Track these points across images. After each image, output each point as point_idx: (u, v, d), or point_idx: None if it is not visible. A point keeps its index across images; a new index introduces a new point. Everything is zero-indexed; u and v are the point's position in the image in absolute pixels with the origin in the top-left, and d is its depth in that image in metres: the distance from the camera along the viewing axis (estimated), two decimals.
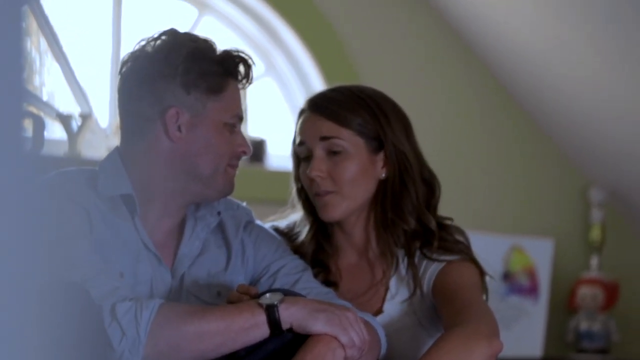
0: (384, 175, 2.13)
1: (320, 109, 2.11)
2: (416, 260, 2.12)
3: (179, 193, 1.94)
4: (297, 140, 2.14)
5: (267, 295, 1.81)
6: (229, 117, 1.94)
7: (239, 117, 1.97)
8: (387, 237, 2.13)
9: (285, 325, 1.79)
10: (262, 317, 1.78)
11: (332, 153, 2.10)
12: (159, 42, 1.93)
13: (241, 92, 2.00)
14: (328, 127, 2.10)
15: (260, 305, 1.79)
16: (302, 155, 2.14)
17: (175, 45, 1.92)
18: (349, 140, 2.10)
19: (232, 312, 1.79)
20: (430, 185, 2.16)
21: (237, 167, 1.99)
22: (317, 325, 1.80)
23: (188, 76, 1.90)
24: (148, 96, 1.91)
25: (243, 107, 2.01)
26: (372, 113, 2.11)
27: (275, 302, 1.79)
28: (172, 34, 1.95)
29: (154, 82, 1.91)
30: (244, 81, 1.97)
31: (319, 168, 2.09)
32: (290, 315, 1.79)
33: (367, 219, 2.16)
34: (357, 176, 2.10)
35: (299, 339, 1.81)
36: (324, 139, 2.10)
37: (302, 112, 2.15)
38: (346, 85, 2.17)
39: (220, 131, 1.93)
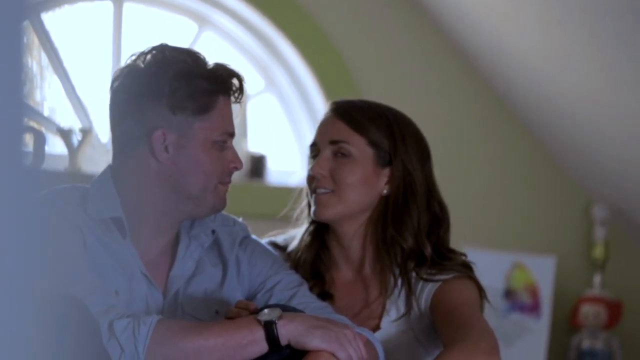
0: (385, 191, 2.12)
1: (340, 110, 2.13)
2: (412, 281, 2.11)
3: (169, 212, 1.93)
4: (312, 141, 2.16)
5: (266, 311, 1.81)
6: (218, 135, 1.91)
7: (229, 134, 1.94)
8: (384, 254, 2.12)
9: (283, 341, 1.79)
10: (260, 334, 1.78)
11: (339, 155, 2.10)
12: (149, 57, 1.90)
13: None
14: (341, 129, 2.11)
15: (258, 321, 1.79)
16: (312, 155, 2.15)
17: (163, 64, 1.88)
18: (358, 147, 2.10)
19: (230, 328, 1.78)
20: (436, 218, 2.14)
21: (230, 183, 1.97)
22: (315, 341, 1.79)
23: (174, 97, 1.87)
24: (135, 115, 1.89)
25: (236, 123, 1.98)
26: (389, 128, 2.11)
27: (274, 319, 1.78)
28: (161, 49, 1.91)
29: (141, 101, 1.89)
30: (237, 95, 1.94)
31: (321, 166, 2.11)
32: (289, 332, 1.79)
33: (365, 235, 2.15)
34: (356, 182, 2.10)
35: (297, 355, 1.80)
36: (333, 142, 2.11)
37: (325, 114, 2.16)
38: (375, 101, 2.17)
39: (209, 150, 1.91)
